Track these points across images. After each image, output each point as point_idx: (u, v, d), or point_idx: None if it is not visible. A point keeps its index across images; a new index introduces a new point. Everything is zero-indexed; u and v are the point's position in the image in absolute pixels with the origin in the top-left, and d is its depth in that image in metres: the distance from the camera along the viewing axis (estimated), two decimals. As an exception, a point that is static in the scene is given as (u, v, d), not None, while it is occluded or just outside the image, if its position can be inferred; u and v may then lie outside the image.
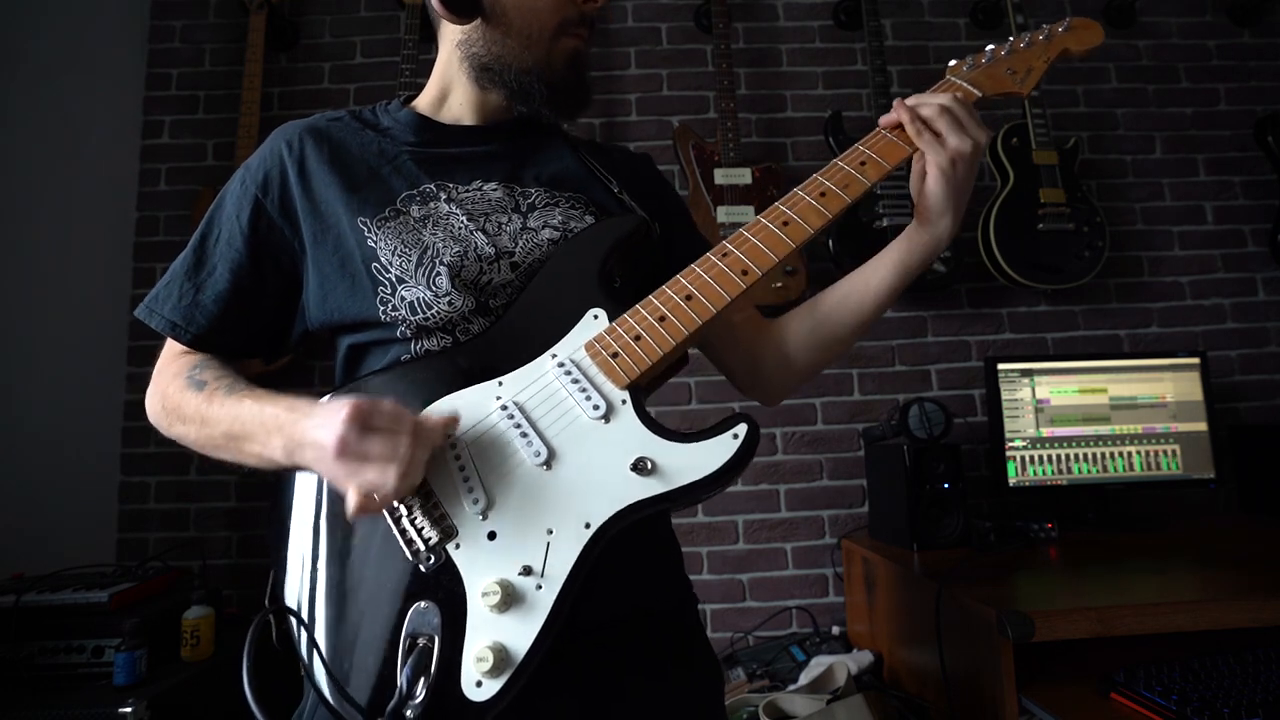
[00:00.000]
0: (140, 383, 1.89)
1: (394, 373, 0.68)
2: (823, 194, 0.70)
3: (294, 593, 0.65)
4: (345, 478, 0.56)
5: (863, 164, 0.72)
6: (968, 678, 1.17)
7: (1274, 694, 1.00)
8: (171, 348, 0.77)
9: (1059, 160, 1.85)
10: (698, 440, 0.60)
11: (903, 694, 1.42)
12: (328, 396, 0.70)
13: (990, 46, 0.80)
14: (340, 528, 0.64)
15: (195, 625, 1.33)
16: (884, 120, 0.73)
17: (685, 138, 1.90)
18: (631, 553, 0.60)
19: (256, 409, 0.64)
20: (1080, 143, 1.94)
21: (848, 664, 1.48)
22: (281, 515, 0.68)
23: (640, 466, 0.59)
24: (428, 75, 0.83)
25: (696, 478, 0.59)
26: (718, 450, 0.59)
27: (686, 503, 0.60)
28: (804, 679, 1.49)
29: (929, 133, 0.70)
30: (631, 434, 0.61)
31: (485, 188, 0.75)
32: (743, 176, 1.85)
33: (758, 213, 1.80)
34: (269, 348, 0.79)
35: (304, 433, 0.59)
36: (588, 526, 0.58)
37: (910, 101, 0.72)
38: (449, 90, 0.80)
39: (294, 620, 0.63)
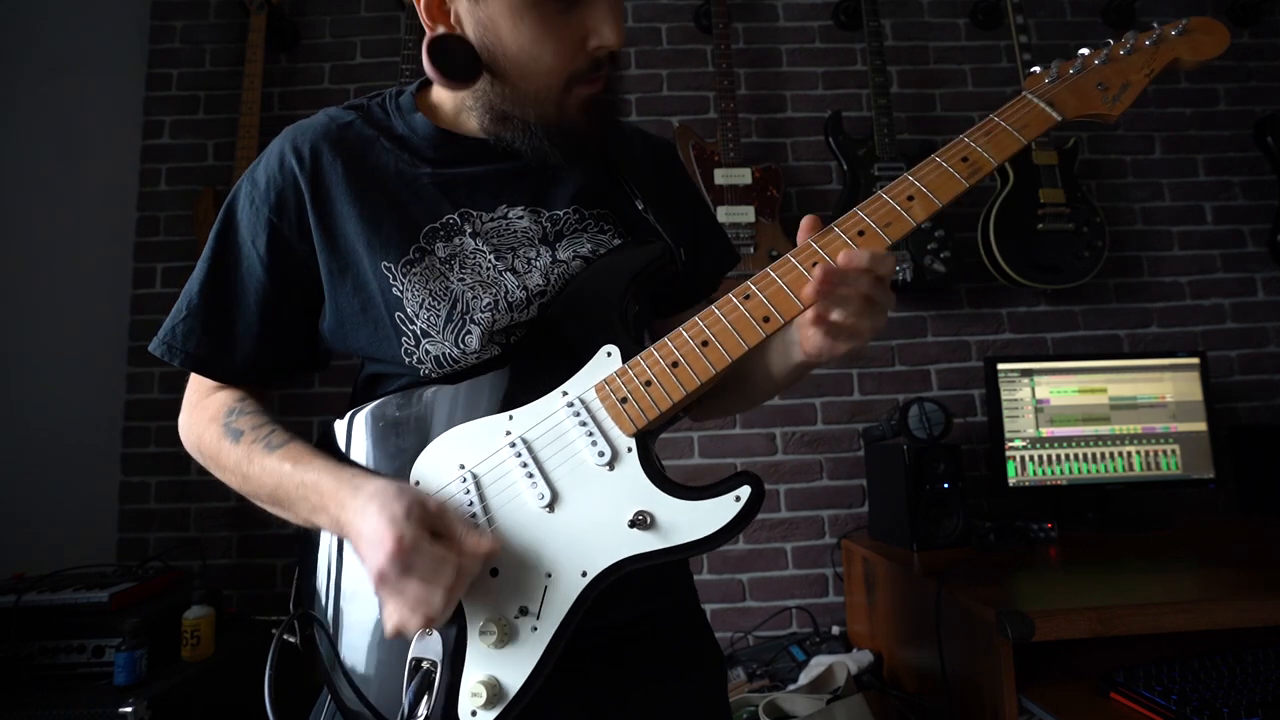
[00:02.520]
0: (140, 383, 1.91)
1: (407, 396, 0.68)
2: (860, 233, 0.61)
3: (317, 599, 0.67)
4: (381, 595, 0.56)
5: (910, 199, 0.61)
6: (968, 678, 1.17)
7: (1273, 694, 1.00)
8: (202, 380, 0.74)
9: (1059, 160, 1.85)
10: (699, 498, 0.59)
11: (903, 694, 1.42)
12: (346, 418, 0.70)
13: (1084, 52, 0.67)
14: None
15: (195, 625, 1.32)
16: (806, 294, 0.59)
17: (685, 138, 1.90)
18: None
19: (296, 477, 0.63)
20: (1080, 143, 1.94)
21: (848, 664, 1.48)
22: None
23: (639, 521, 0.59)
24: None
25: (694, 538, 0.58)
26: (718, 511, 0.58)
27: (685, 557, 0.59)
28: (804, 679, 1.49)
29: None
30: (634, 485, 0.60)
31: (510, 215, 0.71)
32: (743, 177, 1.85)
33: (758, 213, 1.82)
34: (301, 372, 0.77)
35: (348, 528, 0.59)
36: (584, 575, 0.59)
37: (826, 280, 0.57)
38: (462, 111, 0.74)
39: (317, 628, 0.64)
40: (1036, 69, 0.68)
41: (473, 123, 0.73)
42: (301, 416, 1.83)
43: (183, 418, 0.74)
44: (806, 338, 0.63)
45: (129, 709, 1.12)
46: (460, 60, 0.67)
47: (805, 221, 0.63)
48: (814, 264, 0.60)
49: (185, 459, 1.87)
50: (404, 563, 0.53)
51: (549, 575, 0.59)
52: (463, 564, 0.55)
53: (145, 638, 1.22)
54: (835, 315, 0.59)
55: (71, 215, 1.79)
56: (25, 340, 1.64)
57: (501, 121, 0.69)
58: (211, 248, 0.72)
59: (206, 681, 1.29)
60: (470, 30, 0.66)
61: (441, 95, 0.75)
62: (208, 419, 0.71)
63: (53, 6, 1.79)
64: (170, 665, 1.29)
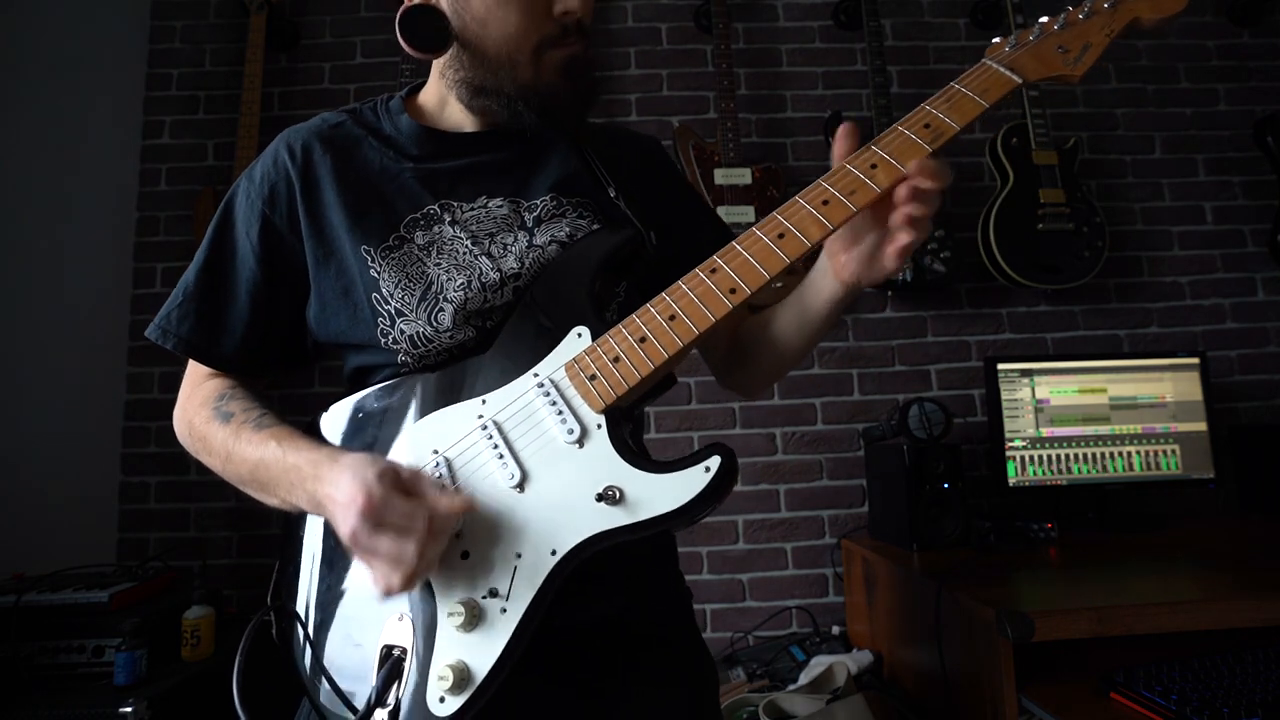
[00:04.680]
0: (140, 383, 1.90)
1: (387, 387, 0.69)
2: (825, 202, 0.62)
3: (295, 591, 0.68)
4: (359, 559, 0.57)
5: (874, 167, 0.62)
6: (968, 678, 1.17)
7: (1274, 694, 1.00)
8: (197, 369, 0.77)
9: (1059, 160, 1.85)
10: (669, 471, 0.58)
11: (903, 694, 1.42)
12: (329, 410, 0.72)
13: (1043, 19, 0.68)
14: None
15: (195, 625, 1.33)
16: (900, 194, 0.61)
17: (685, 138, 1.90)
18: (622, 554, 0.59)
19: (279, 454, 0.64)
20: (1080, 143, 1.94)
21: (847, 664, 1.48)
22: (292, 517, 0.70)
23: (606, 496, 0.58)
24: (427, 74, 0.80)
25: (663, 511, 0.57)
26: (688, 483, 0.57)
27: (659, 531, 0.58)
28: (804, 679, 1.49)
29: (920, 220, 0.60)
30: (603, 461, 0.60)
31: (490, 204, 0.73)
32: (743, 176, 1.85)
33: (758, 213, 1.82)
34: (290, 363, 0.79)
35: (324, 499, 0.59)
36: (553, 554, 0.58)
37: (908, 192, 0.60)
38: (446, 102, 0.77)
39: (287, 619, 0.65)
40: (997, 39, 0.69)
41: (456, 112, 0.76)
42: (301, 416, 1.83)
43: (176, 408, 0.76)
44: (840, 265, 0.65)
45: (129, 709, 1.12)
46: (430, 29, 0.70)
47: (841, 130, 0.65)
48: (780, 235, 0.63)
49: (185, 459, 1.89)
50: (374, 518, 0.54)
51: (519, 555, 0.59)
52: (434, 515, 0.55)
53: (145, 638, 1.22)
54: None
55: (72, 215, 1.79)
56: (25, 340, 1.64)
57: (480, 94, 0.72)
58: (209, 238, 0.75)
59: (206, 681, 1.29)
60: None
61: (428, 95, 0.78)
62: (198, 404, 0.73)
63: (53, 6, 1.79)
64: (170, 665, 1.29)
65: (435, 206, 0.71)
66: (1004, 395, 1.71)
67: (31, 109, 1.72)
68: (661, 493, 0.58)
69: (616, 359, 0.62)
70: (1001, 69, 0.66)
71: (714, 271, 0.64)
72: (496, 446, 0.62)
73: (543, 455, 0.61)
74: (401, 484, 0.57)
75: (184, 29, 2.04)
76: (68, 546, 1.59)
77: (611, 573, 0.65)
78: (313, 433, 0.72)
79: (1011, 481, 1.69)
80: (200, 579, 1.41)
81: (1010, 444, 1.70)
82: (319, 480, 0.60)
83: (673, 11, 2.08)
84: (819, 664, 1.53)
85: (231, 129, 1.88)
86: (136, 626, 1.22)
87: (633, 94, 2.04)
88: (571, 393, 0.63)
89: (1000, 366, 1.72)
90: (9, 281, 1.63)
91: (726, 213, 1.82)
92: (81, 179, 1.82)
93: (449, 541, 0.59)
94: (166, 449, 1.85)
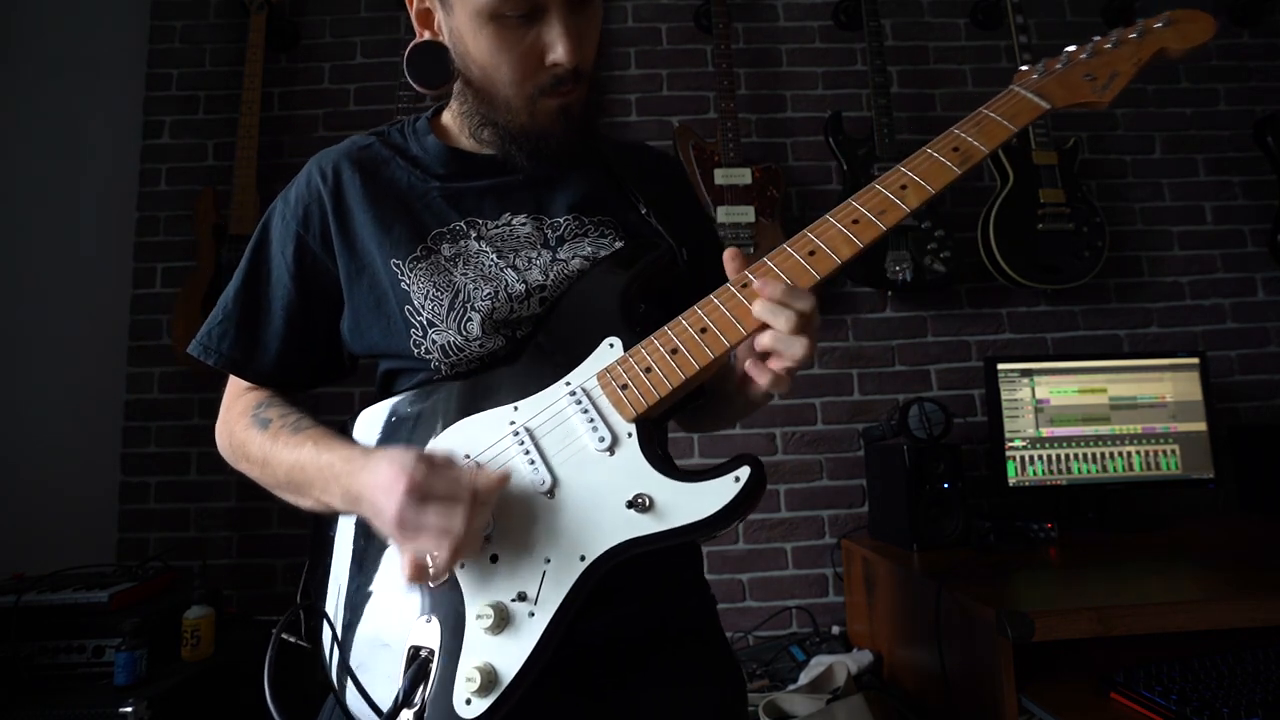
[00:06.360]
0: (140, 383, 1.90)
1: (420, 392, 0.71)
2: (855, 221, 0.64)
3: (323, 592, 0.69)
4: (401, 544, 0.58)
5: (903, 188, 0.64)
6: (968, 678, 1.17)
7: (1274, 694, 1.00)
8: (237, 383, 0.79)
9: (1059, 160, 1.85)
10: (699, 480, 0.60)
11: (903, 694, 1.42)
12: (361, 414, 0.73)
13: (1069, 48, 0.70)
14: (370, 534, 0.67)
15: (195, 625, 1.32)
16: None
17: (685, 138, 1.90)
18: (648, 560, 0.60)
19: (315, 455, 0.66)
20: (1080, 143, 1.94)
21: (847, 664, 1.48)
22: (322, 518, 0.71)
23: (636, 503, 0.59)
24: (422, 98, 0.81)
25: (693, 519, 0.58)
26: (718, 492, 0.59)
27: (686, 540, 0.59)
28: (804, 679, 1.49)
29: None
30: (633, 469, 0.61)
31: (514, 221, 0.75)
32: (743, 176, 1.85)
33: (758, 213, 1.82)
34: (328, 376, 0.81)
35: (362, 489, 0.60)
36: (583, 559, 0.59)
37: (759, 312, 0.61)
38: (465, 128, 0.78)
39: (316, 618, 0.66)
40: (1025, 66, 0.71)
41: (471, 137, 0.78)
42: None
43: (218, 422, 0.78)
44: (758, 388, 0.64)
45: (129, 709, 1.12)
46: (433, 66, 0.72)
47: (727, 255, 0.66)
48: (810, 252, 0.64)
49: (185, 459, 1.90)
50: (420, 495, 0.55)
51: (548, 560, 0.60)
52: (477, 483, 0.57)
53: (145, 638, 1.22)
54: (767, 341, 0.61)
55: (71, 215, 1.79)
56: (25, 340, 1.64)
57: (482, 127, 0.74)
58: (246, 259, 0.78)
59: (206, 681, 1.29)
60: (446, 38, 0.71)
61: (450, 117, 0.80)
62: (238, 414, 0.76)
63: (53, 7, 1.79)
64: (170, 665, 1.29)
65: (462, 223, 0.74)
66: (1004, 395, 1.71)
67: (32, 109, 1.72)
68: (691, 502, 0.59)
69: (648, 369, 0.64)
70: (1030, 95, 0.67)
71: (745, 286, 0.65)
72: (528, 452, 0.63)
73: (574, 462, 0.62)
74: (437, 464, 0.58)
75: (184, 29, 2.04)
76: (68, 546, 1.59)
77: (637, 578, 0.65)
78: (346, 435, 0.73)
79: (1011, 481, 1.69)
80: (200, 579, 1.41)
81: (1010, 444, 1.70)
82: (353, 475, 0.61)
83: (673, 11, 2.08)
84: (819, 664, 1.53)
85: (231, 129, 1.88)
86: (136, 626, 1.22)
87: (633, 94, 2.05)
88: (603, 401, 0.64)
89: (1000, 366, 1.72)
90: (9, 281, 1.63)
91: (727, 212, 1.82)
92: (81, 179, 1.82)
93: (480, 543, 0.60)
94: (166, 449, 1.85)
